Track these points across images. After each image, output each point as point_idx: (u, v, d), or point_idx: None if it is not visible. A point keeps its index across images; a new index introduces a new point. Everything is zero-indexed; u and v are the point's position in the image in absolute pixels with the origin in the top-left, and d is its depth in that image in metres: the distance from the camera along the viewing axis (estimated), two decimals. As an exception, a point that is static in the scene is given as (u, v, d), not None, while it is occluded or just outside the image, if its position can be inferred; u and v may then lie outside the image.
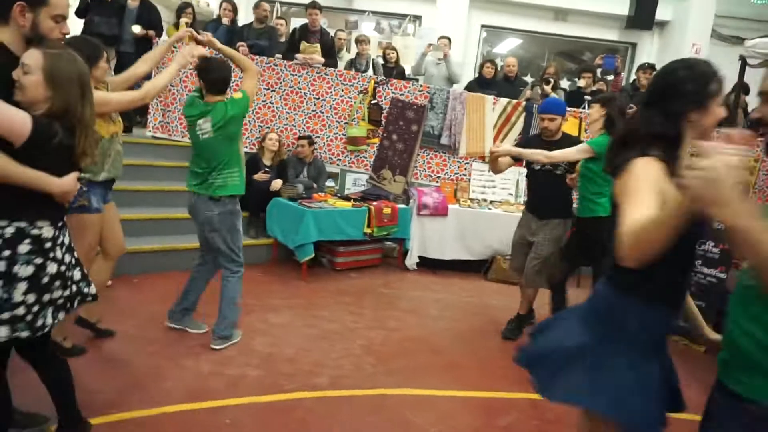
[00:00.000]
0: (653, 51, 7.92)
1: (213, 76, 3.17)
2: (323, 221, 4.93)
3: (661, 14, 7.70)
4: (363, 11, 8.11)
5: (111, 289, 3.99)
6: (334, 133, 6.10)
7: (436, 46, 6.42)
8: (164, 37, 5.90)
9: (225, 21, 6.02)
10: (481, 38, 8.19)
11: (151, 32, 5.79)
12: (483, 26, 8.20)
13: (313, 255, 4.93)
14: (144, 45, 5.76)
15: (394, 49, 6.76)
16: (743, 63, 4.25)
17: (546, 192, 3.95)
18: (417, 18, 7.95)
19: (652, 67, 6.34)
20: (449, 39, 6.33)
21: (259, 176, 5.37)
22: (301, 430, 2.63)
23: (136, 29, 5.68)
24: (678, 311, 1.61)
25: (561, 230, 3.94)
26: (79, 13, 5.88)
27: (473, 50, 8.01)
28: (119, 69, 5.36)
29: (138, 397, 2.72)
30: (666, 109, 1.51)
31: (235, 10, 6.13)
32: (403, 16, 7.95)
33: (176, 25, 6.02)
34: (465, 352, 3.70)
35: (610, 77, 6.54)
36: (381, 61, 6.81)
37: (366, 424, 2.75)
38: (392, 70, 6.60)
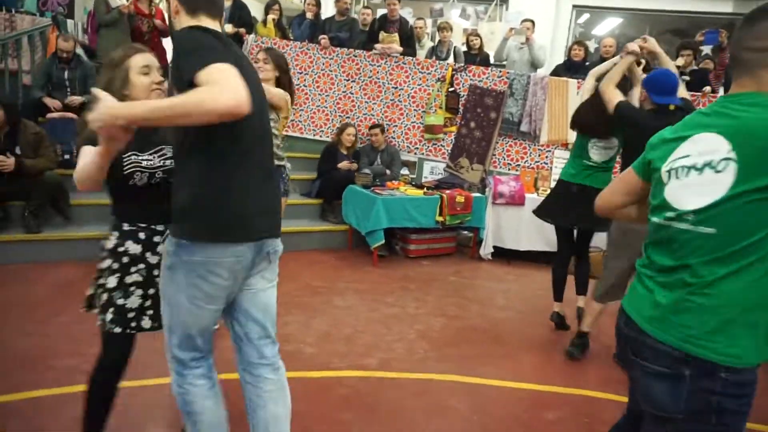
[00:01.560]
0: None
1: None
2: (393, 208, 5.00)
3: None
4: (448, -1, 8.04)
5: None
6: (412, 122, 6.13)
7: (519, 29, 6.21)
8: (253, 35, 6.24)
9: (309, 15, 6.26)
10: (573, 19, 7.76)
11: (242, 30, 6.16)
12: (575, 6, 7.75)
13: (384, 241, 5.02)
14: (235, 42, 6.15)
15: (477, 35, 6.62)
16: None
17: None
18: (504, 2, 7.72)
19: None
20: (533, 22, 6.09)
21: (345, 165, 5.56)
22: (342, 406, 2.72)
23: (228, 28, 6.07)
24: None
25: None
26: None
27: (563, 33, 7.61)
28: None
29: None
30: None
31: (318, 4, 6.34)
32: (489, 1, 7.75)
33: (264, 22, 6.37)
34: (523, 344, 3.59)
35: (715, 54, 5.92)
36: (464, 48, 6.71)
37: (406, 406, 2.77)
38: (476, 56, 6.48)
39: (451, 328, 3.80)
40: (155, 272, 1.88)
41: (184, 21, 1.68)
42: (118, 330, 1.85)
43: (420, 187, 5.46)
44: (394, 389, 2.92)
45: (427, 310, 4.09)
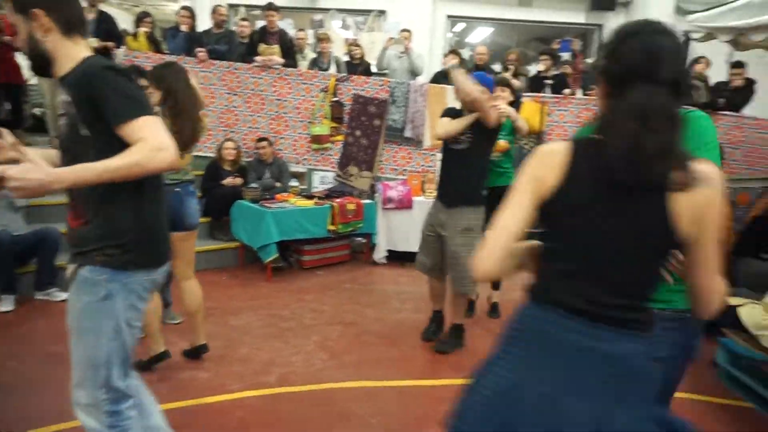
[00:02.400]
0: (620, 31, 7.89)
1: None
2: (284, 221, 4.96)
3: (624, -6, 7.71)
4: (327, 9, 8.11)
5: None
6: (298, 133, 6.12)
7: (397, 39, 6.43)
8: (123, 49, 5.91)
9: (184, 28, 6.04)
10: (448, 29, 8.19)
11: (110, 44, 5.81)
12: (449, 16, 8.19)
13: (277, 255, 4.96)
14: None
15: (358, 45, 6.76)
16: (687, 37, 4.26)
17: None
18: (382, 12, 7.96)
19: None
20: (410, 31, 6.33)
21: (229, 181, 5.40)
22: (240, 428, 2.66)
23: (93, 42, 5.69)
24: None
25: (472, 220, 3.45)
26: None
27: (440, 42, 8.01)
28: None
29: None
30: None
31: (193, 15, 6.14)
32: (367, 12, 7.95)
33: (135, 35, 6.05)
34: (418, 344, 3.72)
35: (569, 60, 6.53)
36: (346, 58, 6.82)
37: (308, 418, 2.78)
38: (357, 66, 6.61)
39: (349, 336, 3.85)
40: None
41: (58, 41, 1.62)
42: None
43: (310, 197, 5.47)
44: (293, 403, 2.91)
45: (324, 320, 4.11)
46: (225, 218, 5.41)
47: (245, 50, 6.06)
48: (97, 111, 1.52)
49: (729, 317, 3.37)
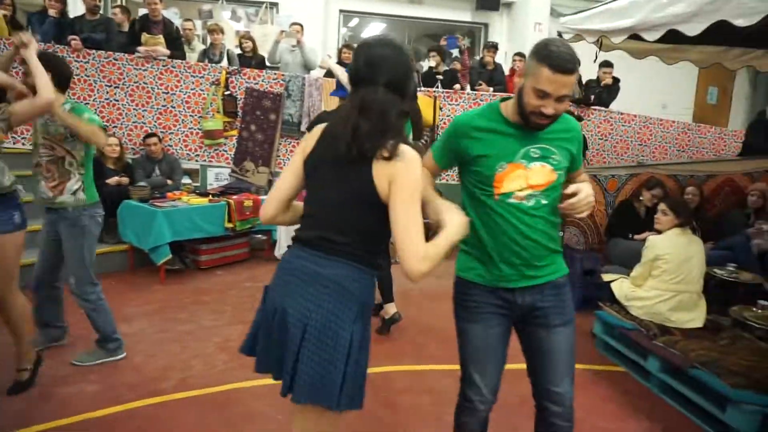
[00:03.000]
0: (503, 30, 8.39)
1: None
2: (177, 220, 4.73)
3: (506, -5, 8.19)
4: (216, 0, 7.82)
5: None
6: (189, 128, 5.86)
7: (289, 32, 6.34)
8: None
9: (52, 13, 5.51)
10: (341, 23, 8.22)
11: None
12: (342, 11, 8.22)
13: (170, 256, 4.73)
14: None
15: (250, 38, 6.57)
16: (560, 37, 4.61)
17: None
18: (274, 5, 7.80)
19: (495, 46, 6.72)
20: (301, 25, 6.27)
21: (114, 180, 5.04)
22: (136, 440, 2.52)
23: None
24: None
25: None
26: None
27: (334, 36, 8.02)
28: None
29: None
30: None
31: (63, 0, 5.63)
32: (259, 4, 7.76)
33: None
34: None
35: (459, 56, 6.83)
36: (238, 51, 6.61)
37: (211, 421, 2.69)
38: (250, 59, 6.42)
39: (251, 334, 3.76)
40: None
41: None
42: None
43: (205, 195, 5.26)
44: (194, 408, 2.80)
45: (225, 321, 3.99)
46: (111, 220, 5.04)
47: (126, 40, 5.66)
48: None
49: (606, 291, 3.75)
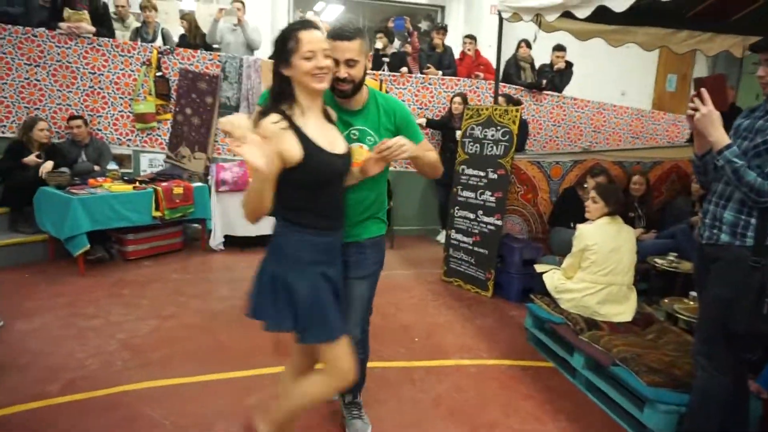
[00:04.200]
0: (461, 13, 8.16)
1: None
2: (96, 208, 4.43)
3: (463, -23, 7.94)
4: (158, -24, 7.40)
5: None
6: (120, 111, 5.53)
7: (229, 10, 6.02)
8: None
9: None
10: (292, 5, 7.88)
11: None
12: (294, -9, 7.88)
13: (88, 247, 4.43)
14: None
15: (188, 19, 6.22)
16: (500, 17, 4.41)
17: None
18: (220, -17, 7.43)
19: (444, 28, 6.49)
20: (243, 3, 5.95)
21: (31, 159, 4.69)
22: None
23: None
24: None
25: None
26: None
27: (283, 16, 7.68)
28: None
29: None
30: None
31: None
32: (203, -19, 7.39)
33: None
34: (238, 333, 3.47)
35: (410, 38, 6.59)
36: (182, 31, 6.25)
37: (93, 427, 2.45)
38: (194, 40, 6.08)
39: (162, 330, 3.52)
40: None
41: None
42: None
43: (131, 181, 4.95)
44: (75, 414, 2.55)
45: (138, 315, 3.73)
46: (28, 208, 4.73)
47: (47, 15, 5.29)
48: None
49: (539, 284, 3.58)
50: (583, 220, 4.37)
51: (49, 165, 4.71)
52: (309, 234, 1.80)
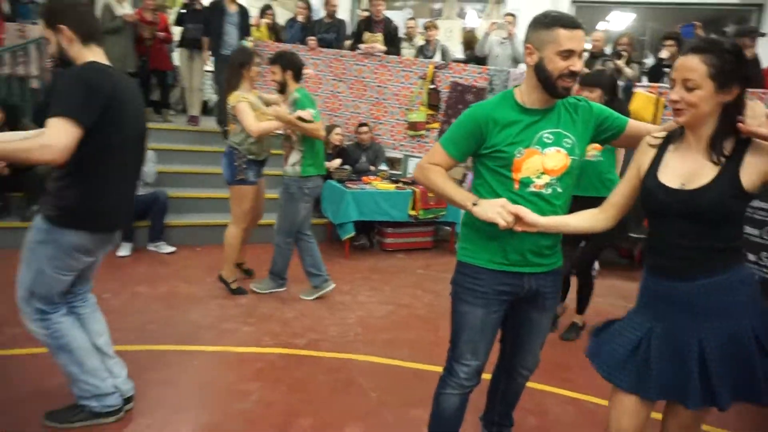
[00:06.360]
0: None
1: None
2: (364, 202, 5.15)
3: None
4: (446, -2, 8.10)
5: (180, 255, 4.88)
6: (396, 119, 6.27)
7: (500, 24, 6.23)
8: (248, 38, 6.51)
9: (300, 18, 6.51)
10: (573, 13, 7.64)
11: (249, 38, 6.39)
12: (574, 2, 7.64)
13: (354, 234, 5.18)
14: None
15: (467, 36, 6.68)
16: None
17: None
18: (501, 0, 7.71)
19: (755, 31, 5.45)
20: (514, 16, 6.08)
21: (334, 163, 5.69)
22: (251, 377, 2.90)
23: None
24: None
25: None
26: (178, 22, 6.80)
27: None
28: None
29: (143, 335, 3.23)
30: None
31: (309, 6, 6.57)
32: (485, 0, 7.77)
33: (257, 26, 6.64)
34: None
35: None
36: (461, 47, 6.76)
37: (314, 381, 2.92)
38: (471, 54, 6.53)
39: (396, 315, 3.92)
40: None
41: (76, 51, 2.03)
42: None
43: (395, 181, 5.58)
44: (308, 366, 3.08)
45: (379, 299, 4.22)
46: (316, 196, 5.76)
47: (352, 39, 6.34)
48: (49, 104, 1.93)
49: None
50: None
51: (336, 162, 5.66)
52: None
